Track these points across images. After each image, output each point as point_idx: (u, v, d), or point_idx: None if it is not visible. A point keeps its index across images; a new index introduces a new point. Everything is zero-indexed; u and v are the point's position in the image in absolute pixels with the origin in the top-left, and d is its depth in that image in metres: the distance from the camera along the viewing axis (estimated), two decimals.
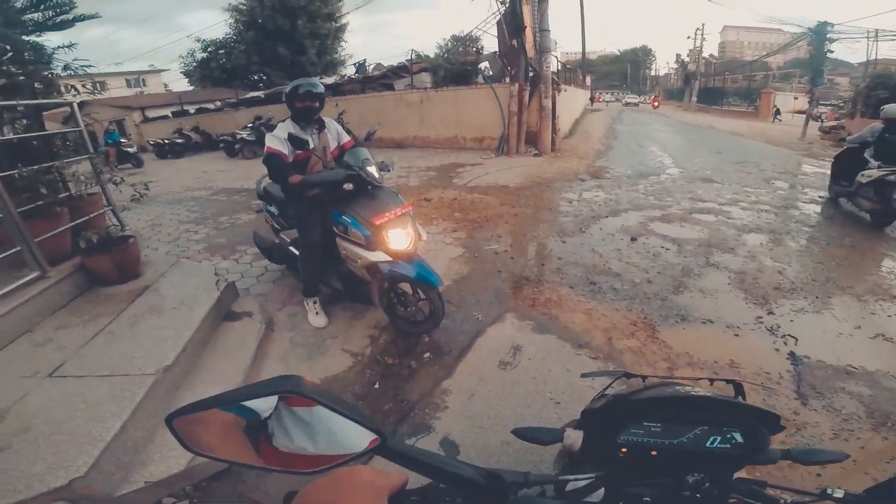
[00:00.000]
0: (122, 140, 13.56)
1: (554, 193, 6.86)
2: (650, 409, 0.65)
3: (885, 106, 5.18)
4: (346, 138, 3.01)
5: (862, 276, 3.84)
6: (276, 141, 2.57)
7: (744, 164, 9.32)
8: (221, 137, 14.17)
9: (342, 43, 27.38)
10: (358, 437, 0.50)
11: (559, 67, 14.35)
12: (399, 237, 2.55)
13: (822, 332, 2.97)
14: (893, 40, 21.76)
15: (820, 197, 6.78)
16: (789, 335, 2.89)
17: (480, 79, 12.19)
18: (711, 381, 0.87)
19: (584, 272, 3.92)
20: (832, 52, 16.90)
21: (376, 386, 2.46)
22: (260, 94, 18.59)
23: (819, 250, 4.42)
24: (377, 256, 2.53)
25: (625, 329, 2.99)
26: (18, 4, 3.20)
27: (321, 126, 2.84)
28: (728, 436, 0.61)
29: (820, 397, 2.33)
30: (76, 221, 3.04)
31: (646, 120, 22.13)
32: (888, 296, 3.43)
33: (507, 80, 10.44)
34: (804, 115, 16.73)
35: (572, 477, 0.67)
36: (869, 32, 18.57)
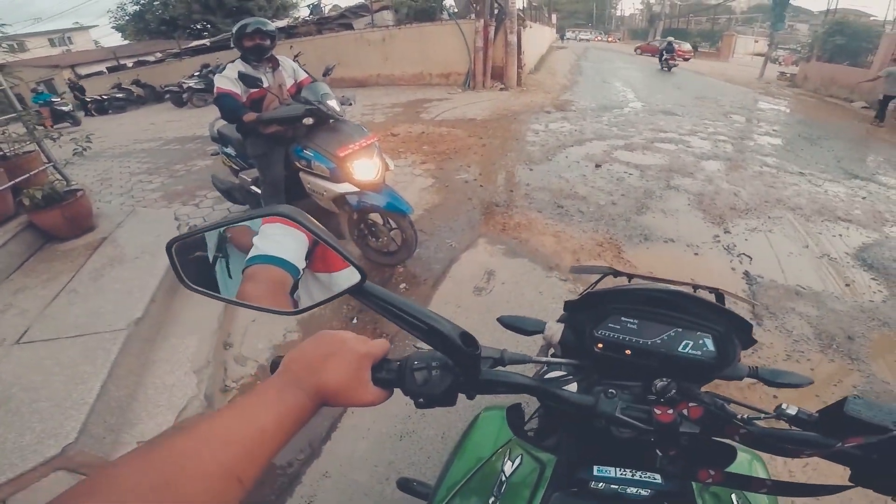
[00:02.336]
0: (53, 99, 12.34)
1: (521, 125, 6.83)
2: (630, 302, 0.65)
3: None
4: (302, 76, 2.88)
5: (811, 199, 4.07)
6: (225, 81, 2.49)
7: (703, 100, 9.50)
8: (167, 88, 13.17)
9: None
10: (340, 278, 0.52)
11: (525, 4, 13.82)
12: (365, 167, 2.51)
13: (773, 251, 3.16)
14: None
15: (773, 130, 7.06)
16: (744, 254, 3.07)
17: (445, 15, 11.65)
18: (695, 287, 0.87)
19: (551, 197, 4.00)
20: None
21: (354, 321, 2.49)
22: (205, 41, 17.28)
23: (771, 177, 4.65)
24: (344, 188, 2.49)
25: (592, 250, 3.12)
26: None
27: (275, 64, 2.73)
28: (700, 341, 0.61)
29: (773, 317, 2.46)
30: (15, 180, 2.90)
31: (610, 58, 21.82)
32: (832, 216, 3.68)
33: (473, 16, 10.13)
34: (763, 58, 16.97)
35: (544, 359, 0.67)
36: None
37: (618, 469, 0.56)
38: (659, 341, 0.62)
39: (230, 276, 0.57)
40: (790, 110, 9.46)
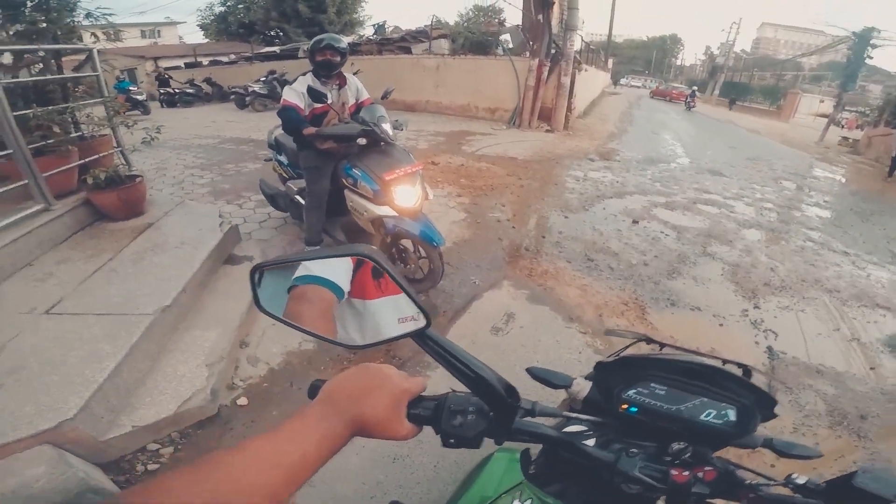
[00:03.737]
0: (131, 88, 13.46)
1: (562, 170, 6.83)
2: (663, 370, 0.67)
3: None
4: (365, 95, 3.03)
5: (851, 283, 3.89)
6: (293, 94, 2.64)
7: (755, 161, 9.27)
8: (233, 90, 13.99)
9: (363, 4, 26.70)
10: (396, 318, 0.57)
11: (582, 47, 14.00)
12: (407, 194, 2.59)
13: (801, 330, 3.04)
14: None
15: (824, 201, 6.79)
16: (770, 330, 2.97)
17: (500, 50, 11.92)
18: (724, 361, 0.89)
19: (582, 248, 3.97)
20: (871, 58, 16.43)
21: None
22: (276, 49, 18.32)
23: (813, 253, 4.46)
24: (384, 211, 2.58)
25: (616, 307, 3.06)
26: None
27: (343, 82, 2.88)
28: (723, 412, 0.63)
29: (788, 392, 2.41)
30: (85, 160, 3.10)
31: (663, 108, 21.69)
32: (871, 303, 3.50)
33: (528, 53, 10.26)
34: (826, 119, 16.39)
35: (573, 415, 0.70)
36: None
37: None
38: (683, 408, 0.64)
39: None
40: (846, 180, 9.11)
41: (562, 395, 0.82)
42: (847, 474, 0.52)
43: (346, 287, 0.60)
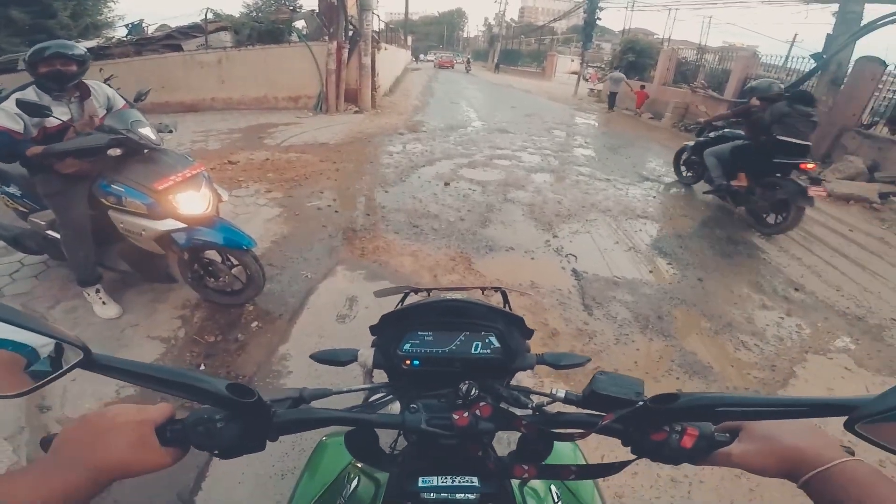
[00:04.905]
0: None
1: (375, 148, 6.98)
2: (420, 316, 0.69)
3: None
4: (120, 103, 2.50)
5: (616, 201, 5.01)
6: (1, 115, 2.03)
7: (531, 117, 11.04)
8: None
9: (109, 4, 21.50)
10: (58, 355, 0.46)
11: (382, 26, 14.16)
12: (191, 200, 2.29)
13: (592, 249, 3.78)
14: (643, 11, 26.97)
15: (585, 142, 8.55)
16: (571, 254, 3.62)
17: (295, 37, 11.22)
18: (483, 289, 0.96)
19: (406, 217, 4.18)
20: (600, 19, 20.34)
21: (202, 367, 2.25)
22: None
23: (585, 183, 5.61)
24: (167, 225, 2.24)
25: (446, 265, 3.34)
26: None
27: (85, 93, 2.31)
28: (487, 340, 0.67)
29: (599, 307, 2.92)
30: None
31: (457, 79, 23.85)
32: (633, 215, 4.59)
33: (326, 38, 9.96)
34: (577, 76, 20.14)
35: (351, 389, 0.70)
36: (628, 3, 22.22)
37: (439, 478, 0.58)
38: (454, 347, 0.67)
39: None
40: (597, 124, 11.50)
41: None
42: (591, 380, 0.56)
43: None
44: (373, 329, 0.75)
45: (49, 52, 2.11)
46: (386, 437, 0.74)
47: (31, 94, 2.12)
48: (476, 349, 0.67)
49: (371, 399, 0.85)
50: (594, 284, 3.19)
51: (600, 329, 2.69)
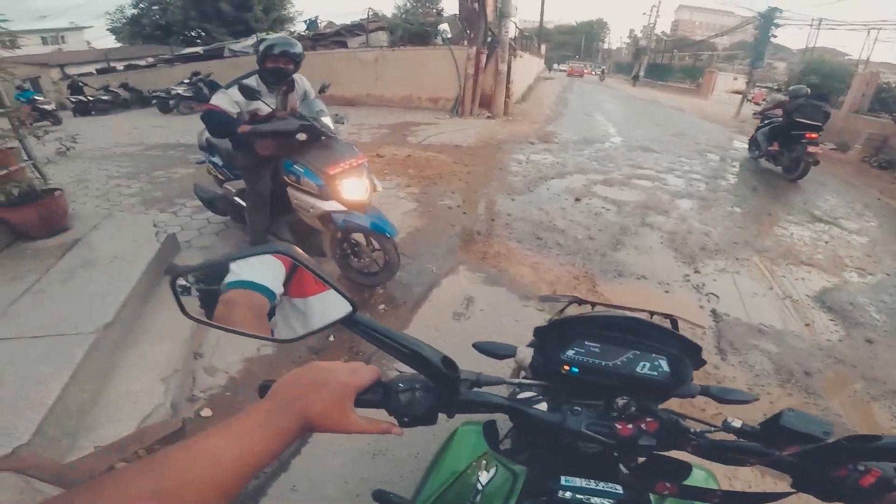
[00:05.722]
0: (37, 98, 12.08)
1: (505, 154, 6.99)
2: (592, 328, 0.71)
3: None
4: (312, 96, 2.90)
5: (776, 241, 4.28)
6: (224, 98, 2.47)
7: (681, 137, 9.94)
8: (154, 93, 12.94)
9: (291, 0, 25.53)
10: (333, 309, 0.57)
11: (517, 34, 14.30)
12: (354, 187, 2.55)
13: (739, 291, 3.30)
14: (834, 29, 23.14)
15: (746, 169, 7.40)
16: (712, 293, 3.20)
17: (439, 40, 11.93)
18: (651, 313, 0.95)
19: (531, 228, 4.10)
20: (776, 37, 17.89)
21: (331, 339, 2.46)
22: (199, 49, 17.15)
23: (741, 217, 4.89)
24: (331, 206, 2.53)
25: (568, 282, 3.20)
26: None
27: (290, 87, 2.72)
28: (656, 363, 0.67)
29: (736, 353, 2.58)
30: None
31: (594, 91, 22.70)
32: (797, 261, 3.87)
33: (466, 42, 10.36)
34: (740, 96, 17.79)
35: (517, 381, 0.73)
36: (813, 21, 19.54)
37: (583, 480, 0.59)
38: (619, 363, 0.68)
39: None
40: None
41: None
42: (775, 415, 0.56)
43: (277, 289, 0.61)
44: (538, 331, 0.78)
45: (277, 51, 2.50)
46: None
47: (253, 82, 2.55)
48: (642, 368, 0.68)
49: (517, 395, 0.88)
50: (734, 329, 2.81)
51: (731, 375, 2.39)
